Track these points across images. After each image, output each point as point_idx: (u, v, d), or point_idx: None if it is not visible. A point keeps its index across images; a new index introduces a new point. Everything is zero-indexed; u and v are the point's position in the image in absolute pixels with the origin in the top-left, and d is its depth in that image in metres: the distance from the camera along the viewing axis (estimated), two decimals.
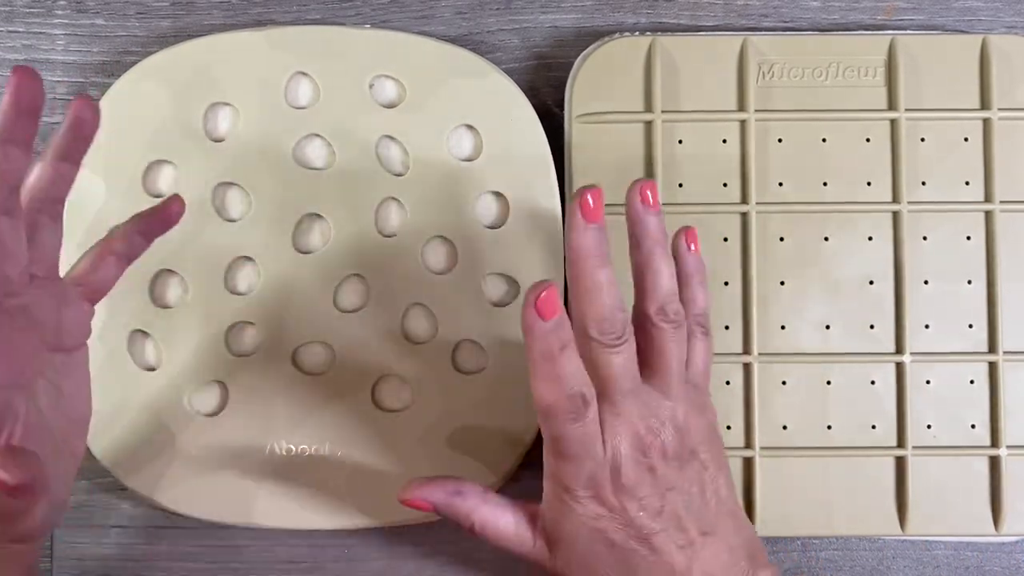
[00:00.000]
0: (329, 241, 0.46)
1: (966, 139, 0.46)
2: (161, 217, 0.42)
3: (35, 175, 0.37)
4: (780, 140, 0.46)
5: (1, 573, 0.37)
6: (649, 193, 0.39)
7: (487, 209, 0.46)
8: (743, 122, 0.46)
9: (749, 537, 0.40)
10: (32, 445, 0.35)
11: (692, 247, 0.42)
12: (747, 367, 0.46)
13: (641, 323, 0.39)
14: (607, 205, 0.45)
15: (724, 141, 0.46)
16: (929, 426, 0.46)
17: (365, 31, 0.47)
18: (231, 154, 0.46)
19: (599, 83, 0.46)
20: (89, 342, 0.45)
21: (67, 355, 0.39)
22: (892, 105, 0.46)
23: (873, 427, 0.46)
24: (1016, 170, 0.46)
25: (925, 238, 0.46)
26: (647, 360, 0.39)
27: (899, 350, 0.46)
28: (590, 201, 0.37)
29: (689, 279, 0.41)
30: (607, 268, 0.37)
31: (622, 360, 0.37)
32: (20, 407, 0.35)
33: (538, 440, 0.45)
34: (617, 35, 0.47)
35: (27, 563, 0.38)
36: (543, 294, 0.36)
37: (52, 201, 0.38)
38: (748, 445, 0.45)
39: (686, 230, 0.42)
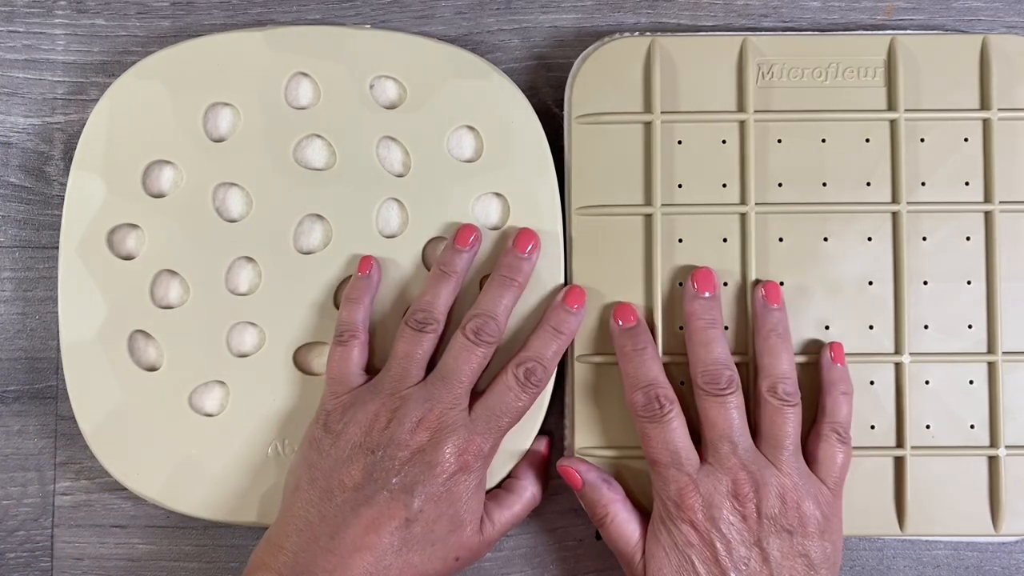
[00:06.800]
0: (329, 241, 0.46)
1: (966, 139, 0.46)
2: None
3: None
4: (780, 140, 0.46)
5: None
6: (770, 292, 0.45)
7: (487, 209, 0.46)
8: (742, 122, 0.46)
9: None
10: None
11: (839, 364, 0.45)
12: (747, 367, 0.46)
13: (757, 399, 0.44)
14: (604, 206, 0.46)
15: (724, 142, 0.46)
16: (928, 426, 0.46)
17: (365, 31, 0.47)
18: (231, 154, 0.46)
19: (599, 83, 0.46)
20: (90, 342, 0.45)
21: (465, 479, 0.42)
22: (892, 105, 0.46)
23: (872, 427, 0.46)
24: (1016, 170, 0.46)
25: (925, 238, 0.46)
26: (761, 432, 0.43)
27: (898, 350, 0.46)
28: (702, 277, 0.44)
29: (831, 388, 0.44)
30: (715, 329, 0.44)
31: (727, 411, 0.42)
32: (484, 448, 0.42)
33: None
34: (617, 35, 0.47)
35: None
36: (620, 306, 0.45)
37: None
38: None
39: (833, 344, 0.45)
